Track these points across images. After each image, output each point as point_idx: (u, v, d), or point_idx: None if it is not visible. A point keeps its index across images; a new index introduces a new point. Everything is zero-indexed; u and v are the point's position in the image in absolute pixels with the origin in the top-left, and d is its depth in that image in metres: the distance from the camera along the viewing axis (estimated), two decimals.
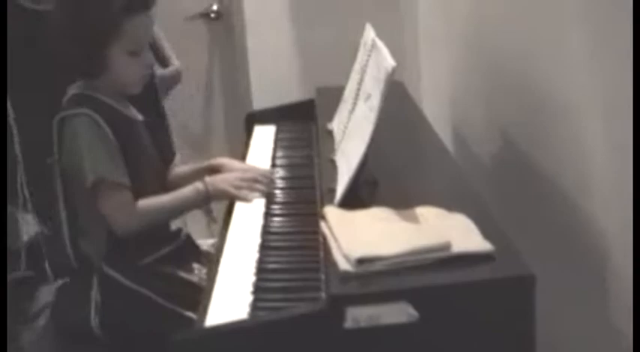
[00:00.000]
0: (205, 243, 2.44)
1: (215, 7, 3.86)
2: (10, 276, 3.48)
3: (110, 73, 2.14)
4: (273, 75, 3.68)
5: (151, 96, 2.30)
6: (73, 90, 2.20)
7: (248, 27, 3.69)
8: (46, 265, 2.74)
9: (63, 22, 2.15)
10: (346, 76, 2.35)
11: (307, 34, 3.66)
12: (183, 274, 2.22)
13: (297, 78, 3.69)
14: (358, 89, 2.07)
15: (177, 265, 2.22)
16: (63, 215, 2.21)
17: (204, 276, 2.24)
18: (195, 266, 2.26)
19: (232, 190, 2.16)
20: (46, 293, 2.93)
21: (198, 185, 2.18)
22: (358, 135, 1.86)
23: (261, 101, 3.51)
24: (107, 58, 2.11)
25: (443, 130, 2.63)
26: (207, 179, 2.20)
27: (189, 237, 2.32)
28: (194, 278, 2.22)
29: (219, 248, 1.89)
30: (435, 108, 3.11)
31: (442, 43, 3.13)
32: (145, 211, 2.14)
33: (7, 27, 2.51)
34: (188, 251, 2.29)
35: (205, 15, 3.84)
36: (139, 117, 2.27)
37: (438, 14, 3.16)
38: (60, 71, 2.21)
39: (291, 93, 3.45)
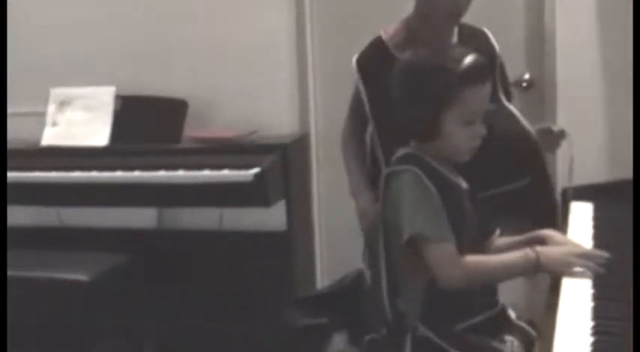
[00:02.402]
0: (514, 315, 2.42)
1: (527, 76, 3.85)
2: (303, 322, 3.60)
3: (441, 139, 2.21)
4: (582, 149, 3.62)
5: (484, 165, 2.32)
6: (403, 150, 2.29)
7: (560, 98, 3.67)
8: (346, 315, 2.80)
9: (406, 86, 2.25)
10: None
11: (622, 110, 3.57)
12: (496, 345, 2.23)
13: (606, 155, 3.62)
14: None
15: (490, 335, 2.23)
16: (383, 270, 2.29)
17: (516, 350, 2.24)
18: (508, 338, 2.26)
19: (566, 264, 2.11)
20: (338, 342, 3.01)
21: (529, 252, 2.16)
22: None
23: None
24: (441, 124, 2.19)
25: None
26: (539, 248, 2.16)
27: (504, 308, 2.33)
28: (506, 350, 2.23)
29: (549, 325, 1.87)
30: None
31: None
32: (473, 267, 2.18)
33: (382, 75, 2.46)
34: (502, 322, 2.30)
35: (517, 83, 3.83)
36: (464, 184, 2.31)
37: None
38: (398, 131, 2.30)
39: (599, 170, 3.40)
